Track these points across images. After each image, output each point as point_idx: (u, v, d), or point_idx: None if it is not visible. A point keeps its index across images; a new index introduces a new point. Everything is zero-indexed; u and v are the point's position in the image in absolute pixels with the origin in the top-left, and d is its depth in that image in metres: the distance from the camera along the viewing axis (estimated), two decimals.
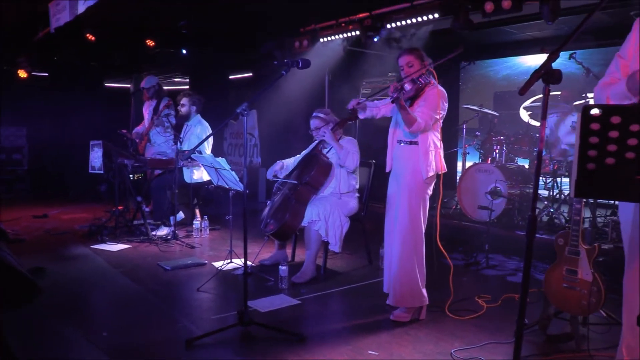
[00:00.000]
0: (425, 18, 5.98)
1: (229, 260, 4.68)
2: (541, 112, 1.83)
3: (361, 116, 3.72)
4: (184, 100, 6.21)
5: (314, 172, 4.38)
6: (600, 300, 2.95)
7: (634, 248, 2.28)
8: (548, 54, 1.80)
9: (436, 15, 5.88)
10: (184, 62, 9.04)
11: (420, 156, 3.41)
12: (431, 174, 3.41)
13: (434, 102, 3.36)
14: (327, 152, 4.59)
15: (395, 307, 3.58)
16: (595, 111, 1.55)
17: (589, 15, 1.89)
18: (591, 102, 5.96)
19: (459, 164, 7.51)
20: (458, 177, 6.64)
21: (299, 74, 6.55)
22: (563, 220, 5.58)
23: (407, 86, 3.38)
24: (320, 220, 4.30)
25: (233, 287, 4.21)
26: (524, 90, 1.79)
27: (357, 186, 4.65)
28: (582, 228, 3.05)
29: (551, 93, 5.72)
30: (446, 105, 3.43)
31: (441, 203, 3.52)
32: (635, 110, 1.59)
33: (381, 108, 3.70)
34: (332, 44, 7.38)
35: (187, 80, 11.16)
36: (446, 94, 3.44)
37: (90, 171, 5.98)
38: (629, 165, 1.57)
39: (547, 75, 1.76)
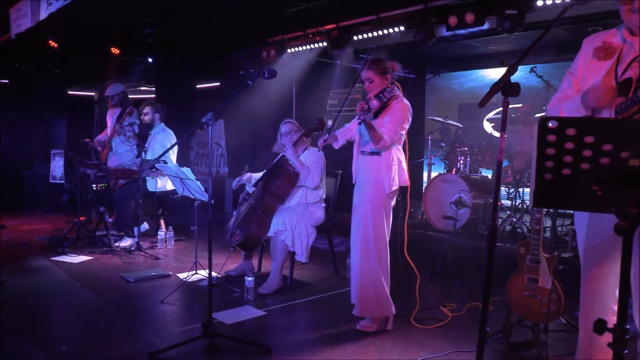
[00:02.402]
0: (391, 30, 6.08)
1: (193, 272, 4.62)
2: (500, 124, 1.87)
3: (336, 146, 3.71)
4: (147, 109, 6.16)
5: (280, 181, 4.37)
6: (560, 307, 3.02)
7: (588, 256, 2.34)
8: (507, 68, 1.85)
9: (402, 28, 5.98)
10: (150, 70, 8.94)
11: (382, 169, 3.42)
12: (394, 188, 3.43)
13: (400, 117, 3.37)
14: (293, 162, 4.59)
15: (361, 317, 3.59)
16: (551, 123, 1.59)
17: (545, 31, 1.96)
18: None
19: (425, 175, 7.61)
20: (424, 188, 6.72)
21: (266, 84, 6.55)
22: (525, 230, 5.70)
23: (374, 103, 3.38)
24: (286, 230, 4.28)
25: (198, 299, 4.16)
26: (483, 103, 1.83)
27: (324, 196, 4.66)
28: (543, 237, 3.13)
29: (513, 106, 5.84)
30: (410, 118, 3.46)
31: (408, 214, 3.56)
32: (589, 122, 1.65)
33: (351, 129, 3.71)
34: (299, 54, 7.41)
35: (153, 89, 11.04)
36: (411, 108, 3.45)
37: (51, 181, 5.84)
38: (584, 176, 1.61)
39: (505, 88, 1.81)
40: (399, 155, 3.48)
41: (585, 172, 1.60)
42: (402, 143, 3.52)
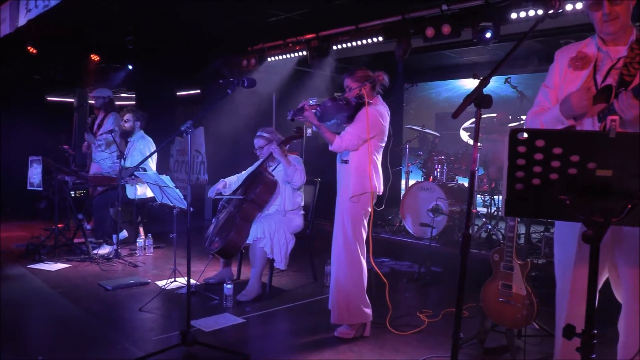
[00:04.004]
0: (369, 41, 6.17)
1: (172, 279, 4.60)
2: (474, 135, 1.93)
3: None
4: (128, 116, 6.12)
5: (259, 189, 4.39)
6: (532, 313, 3.09)
7: (563, 263, 2.39)
8: (479, 80, 1.91)
9: (380, 39, 6.07)
10: (130, 77, 8.90)
11: (350, 175, 3.45)
12: (358, 192, 3.41)
13: (362, 123, 3.38)
14: (272, 170, 4.62)
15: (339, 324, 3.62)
16: (521, 135, 1.64)
17: (518, 44, 2.01)
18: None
19: (403, 182, 7.69)
20: (401, 195, 6.80)
21: (247, 93, 6.56)
22: (500, 237, 5.80)
23: (327, 102, 3.44)
24: (265, 237, 4.30)
25: (177, 307, 4.15)
26: (457, 114, 1.88)
27: (302, 204, 4.70)
28: (516, 244, 3.20)
29: (488, 115, 5.94)
30: (381, 125, 3.43)
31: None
32: (557, 133, 1.71)
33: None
34: (279, 63, 7.46)
35: (134, 95, 10.97)
36: (381, 114, 3.43)
37: (28, 187, 5.77)
38: (553, 186, 1.66)
39: (478, 100, 1.86)
40: (370, 163, 3.43)
41: (554, 182, 1.65)
42: (376, 149, 3.49)
